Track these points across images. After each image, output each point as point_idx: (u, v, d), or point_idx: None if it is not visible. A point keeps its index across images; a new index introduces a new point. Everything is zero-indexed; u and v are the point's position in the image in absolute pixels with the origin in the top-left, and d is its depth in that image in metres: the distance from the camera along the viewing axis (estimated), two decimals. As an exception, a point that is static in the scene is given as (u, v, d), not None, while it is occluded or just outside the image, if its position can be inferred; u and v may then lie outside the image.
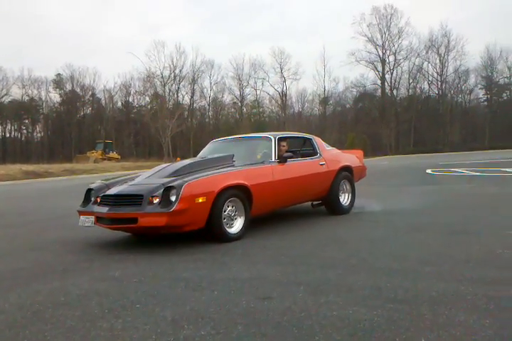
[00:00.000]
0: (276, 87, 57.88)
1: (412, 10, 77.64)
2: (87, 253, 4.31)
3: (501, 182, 10.55)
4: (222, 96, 59.71)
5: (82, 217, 4.64)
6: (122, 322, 2.43)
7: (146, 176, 4.89)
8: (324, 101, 58.42)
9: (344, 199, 6.43)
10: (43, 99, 57.83)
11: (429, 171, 14.82)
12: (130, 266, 3.66)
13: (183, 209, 4.14)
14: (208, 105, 59.94)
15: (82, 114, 59.29)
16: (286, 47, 73.08)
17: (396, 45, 56.62)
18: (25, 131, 59.86)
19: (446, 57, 56.38)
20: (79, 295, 2.94)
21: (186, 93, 57.27)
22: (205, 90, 58.31)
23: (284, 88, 57.80)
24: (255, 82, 58.10)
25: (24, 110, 56.66)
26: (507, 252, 3.70)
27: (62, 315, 2.58)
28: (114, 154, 43.71)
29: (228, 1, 76.97)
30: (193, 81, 56.40)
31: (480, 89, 59.29)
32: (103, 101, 59.68)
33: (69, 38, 74.58)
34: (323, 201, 6.24)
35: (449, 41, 55.68)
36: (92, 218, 4.50)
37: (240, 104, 59.48)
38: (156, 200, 4.22)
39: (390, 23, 55.99)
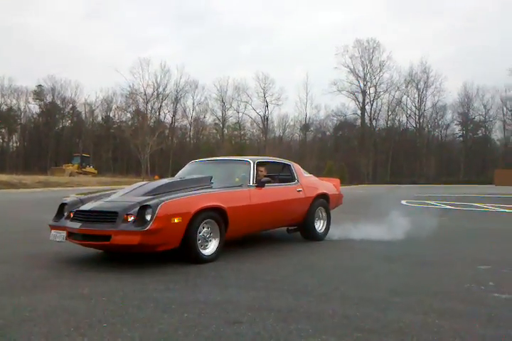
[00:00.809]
0: (258, 111, 58.59)
1: (394, 44, 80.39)
2: (56, 269, 4.22)
3: (473, 216, 10.78)
4: (204, 117, 60.09)
5: (53, 232, 4.55)
6: (88, 342, 2.38)
7: (122, 193, 4.86)
8: (305, 127, 59.27)
9: (319, 226, 6.48)
10: (22, 109, 57.13)
11: (403, 202, 15.05)
12: (100, 284, 3.60)
13: (158, 228, 4.11)
14: (190, 125, 60.13)
15: (60, 126, 58.60)
16: (270, 73, 74.19)
17: (377, 78, 58.34)
18: (0, 141, 58.74)
19: (424, 92, 58.29)
20: (46, 312, 2.87)
21: (168, 111, 57.46)
22: (187, 110, 58.62)
23: (266, 112, 58.53)
24: (238, 105, 58.74)
25: (1, 119, 55.71)
26: (474, 286, 3.78)
27: (27, 331, 2.52)
28: (90, 168, 43.20)
29: (216, 24, 78.23)
30: (176, 100, 56.70)
31: (456, 124, 61.14)
32: (83, 115, 59.23)
33: (53, 50, 74.36)
34: (299, 227, 6.28)
35: (428, 77, 57.73)
36: (64, 233, 4.43)
37: (221, 125, 59.81)
38: (131, 218, 4.19)
39: (372, 56, 57.86)
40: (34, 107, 57.79)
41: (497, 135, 60.56)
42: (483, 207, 13.26)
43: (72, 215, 4.59)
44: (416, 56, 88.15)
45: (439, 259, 5.07)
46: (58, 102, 57.54)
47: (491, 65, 71.69)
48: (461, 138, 61.59)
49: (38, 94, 57.05)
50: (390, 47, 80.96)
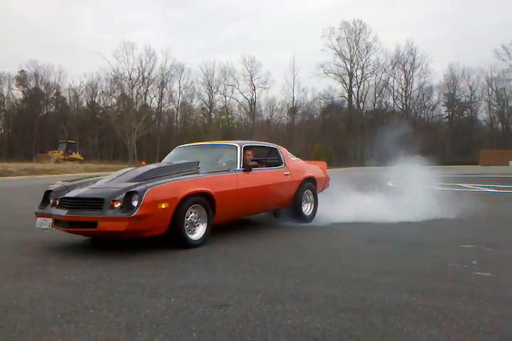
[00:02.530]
0: (245, 95, 58.25)
1: (380, 26, 79.89)
2: (42, 256, 4.21)
3: (459, 197, 10.91)
4: (191, 101, 59.59)
5: (39, 219, 4.53)
6: (74, 328, 2.39)
7: (108, 179, 4.83)
8: (292, 110, 59.10)
9: (307, 209, 6.53)
10: (5, 95, 56.09)
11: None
12: (86, 271, 3.60)
13: (145, 214, 4.10)
14: (177, 109, 59.59)
15: (45, 112, 57.73)
16: (256, 56, 73.45)
17: (364, 60, 58.18)
18: (-16, 128, 57.77)
19: (411, 73, 58.31)
20: (31, 299, 2.87)
21: (154, 96, 56.81)
22: (173, 94, 58.03)
23: (254, 96, 58.21)
24: (225, 89, 58.32)
25: (-16, 106, 54.78)
26: (458, 265, 3.85)
27: (13, 319, 2.52)
28: (76, 155, 42.76)
29: (200, 7, 76.91)
30: (162, 84, 56.03)
31: (442, 106, 61.40)
32: (68, 101, 58.40)
33: (35, 35, 72.66)
34: (286, 210, 6.31)
35: (414, 59, 57.70)
36: (50, 220, 4.40)
37: (208, 109, 59.40)
38: (118, 205, 4.17)
39: (359, 38, 57.55)
40: (17, 93, 56.84)
41: (483, 115, 61.09)
42: (469, 188, 13.42)
43: (58, 202, 4.56)
44: (402, 38, 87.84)
45: (423, 240, 5.14)
46: (42, 88, 56.60)
47: (476, 46, 71.81)
48: (447, 120, 61.94)
49: (21, 79, 56.00)
50: (377, 28, 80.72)
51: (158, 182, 4.47)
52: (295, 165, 6.53)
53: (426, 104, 60.76)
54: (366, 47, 57.50)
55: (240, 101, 58.89)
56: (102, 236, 4.58)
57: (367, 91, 59.42)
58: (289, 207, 6.27)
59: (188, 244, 4.49)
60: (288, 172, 6.20)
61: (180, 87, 57.55)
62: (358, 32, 57.31)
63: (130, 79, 52.73)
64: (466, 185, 14.16)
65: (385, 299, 2.90)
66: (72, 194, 4.51)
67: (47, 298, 2.90)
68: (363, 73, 58.33)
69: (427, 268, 3.79)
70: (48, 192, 4.76)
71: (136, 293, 3.02)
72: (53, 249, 4.57)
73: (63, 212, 4.32)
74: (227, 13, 77.71)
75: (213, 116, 59.78)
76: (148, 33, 74.40)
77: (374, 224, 6.20)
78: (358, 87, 58.84)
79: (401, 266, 3.87)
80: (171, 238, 4.46)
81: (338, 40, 57.35)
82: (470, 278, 3.44)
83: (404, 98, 59.25)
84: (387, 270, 3.70)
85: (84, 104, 59.04)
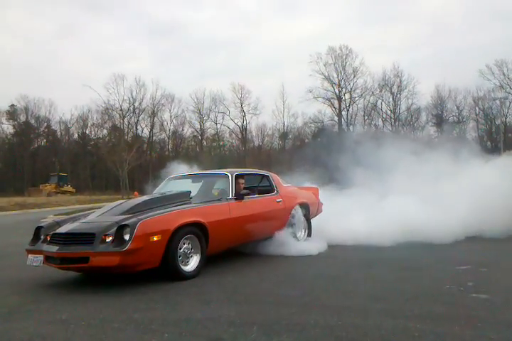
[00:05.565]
0: (236, 121, 58.59)
1: (366, 50, 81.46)
2: (34, 294, 4.14)
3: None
4: (183, 130, 59.77)
5: (30, 256, 4.47)
6: (67, 369, 2.34)
7: (99, 213, 4.80)
8: (284, 135, 59.54)
9: (301, 235, 6.50)
10: (-5, 130, 56.03)
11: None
12: (79, 308, 3.54)
13: (137, 248, 4.06)
14: (168, 138, 59.76)
15: (36, 145, 57.69)
16: (246, 83, 74.06)
17: (351, 84, 58.96)
18: (-26, 163, 57.47)
19: (398, 95, 59.11)
20: (23, 340, 2.80)
21: (146, 126, 56.93)
22: (165, 123, 58.15)
23: (245, 122, 58.59)
24: (216, 116, 58.60)
25: (-26, 141, 54.66)
26: (454, 287, 3.83)
27: (3, 362, 2.46)
28: (68, 187, 42.58)
29: (188, 36, 78.25)
30: (153, 114, 56.28)
31: (431, 126, 62.18)
32: (58, 133, 58.48)
33: (24, 69, 73.04)
34: (280, 237, 6.27)
35: (401, 81, 58.60)
36: (41, 257, 4.34)
37: (200, 137, 59.67)
38: (109, 239, 4.13)
39: (346, 63, 58.51)
40: (8, 128, 56.81)
41: (471, 135, 61.89)
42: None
43: (48, 238, 4.52)
44: (388, 61, 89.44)
45: (417, 262, 5.12)
46: (32, 121, 56.68)
47: (461, 67, 73.08)
48: (436, 140, 62.62)
49: (11, 114, 56.11)
50: (363, 52, 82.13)
51: (149, 214, 4.45)
52: (287, 192, 6.54)
53: (415, 125, 61.53)
54: (353, 71, 58.47)
55: (231, 128, 59.26)
56: (94, 271, 4.51)
57: (356, 114, 60.14)
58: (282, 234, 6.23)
59: (181, 276, 4.43)
60: (280, 199, 6.21)
61: (171, 116, 57.84)
62: (344, 57, 58.42)
63: (121, 110, 53.00)
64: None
65: (382, 326, 2.87)
66: (62, 229, 4.47)
67: (39, 338, 2.84)
68: (351, 97, 59.10)
69: (423, 291, 3.77)
70: (38, 228, 4.72)
71: (129, 329, 2.96)
72: (45, 286, 4.49)
73: (54, 248, 4.27)
74: (214, 41, 78.88)
75: (205, 143, 60.02)
76: (138, 64, 74.95)
77: (366, 248, 6.16)
78: (347, 111, 59.55)
79: (397, 290, 3.85)
80: (164, 270, 4.40)
81: (325, 65, 58.29)
82: (466, 301, 3.43)
83: (393, 120, 59.98)
84: (382, 295, 3.68)
85: (76, 136, 59.14)
